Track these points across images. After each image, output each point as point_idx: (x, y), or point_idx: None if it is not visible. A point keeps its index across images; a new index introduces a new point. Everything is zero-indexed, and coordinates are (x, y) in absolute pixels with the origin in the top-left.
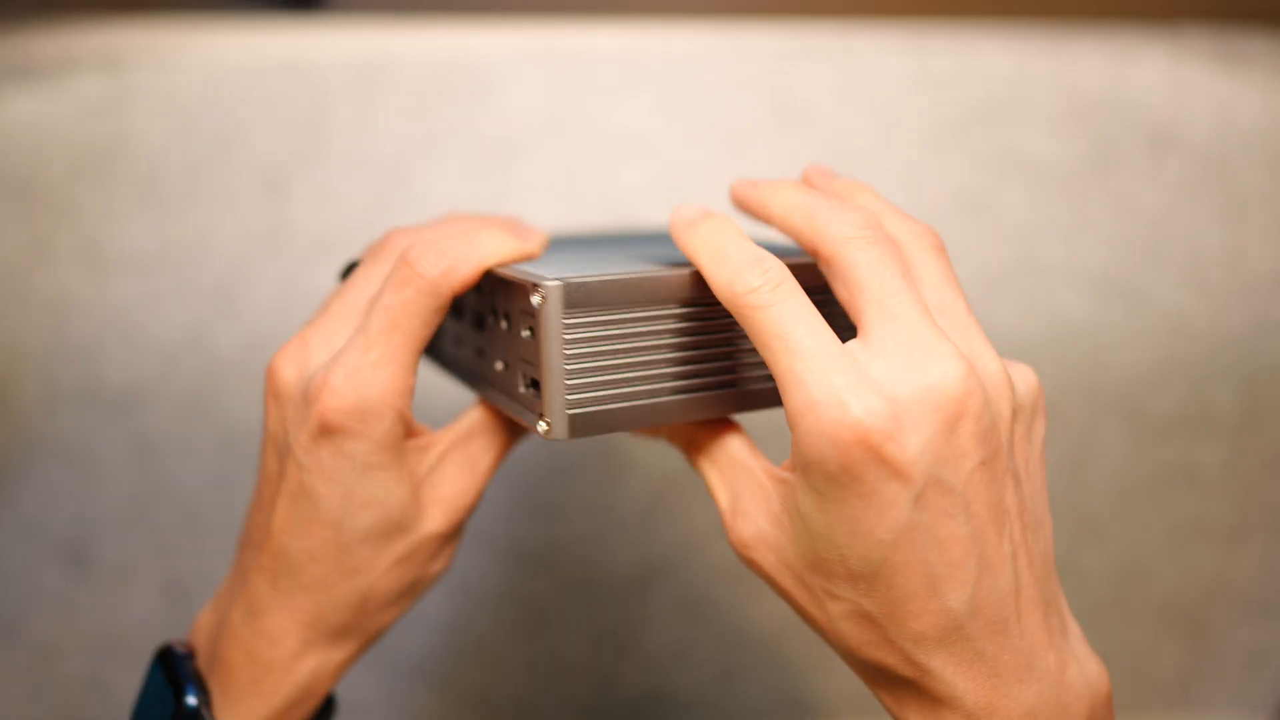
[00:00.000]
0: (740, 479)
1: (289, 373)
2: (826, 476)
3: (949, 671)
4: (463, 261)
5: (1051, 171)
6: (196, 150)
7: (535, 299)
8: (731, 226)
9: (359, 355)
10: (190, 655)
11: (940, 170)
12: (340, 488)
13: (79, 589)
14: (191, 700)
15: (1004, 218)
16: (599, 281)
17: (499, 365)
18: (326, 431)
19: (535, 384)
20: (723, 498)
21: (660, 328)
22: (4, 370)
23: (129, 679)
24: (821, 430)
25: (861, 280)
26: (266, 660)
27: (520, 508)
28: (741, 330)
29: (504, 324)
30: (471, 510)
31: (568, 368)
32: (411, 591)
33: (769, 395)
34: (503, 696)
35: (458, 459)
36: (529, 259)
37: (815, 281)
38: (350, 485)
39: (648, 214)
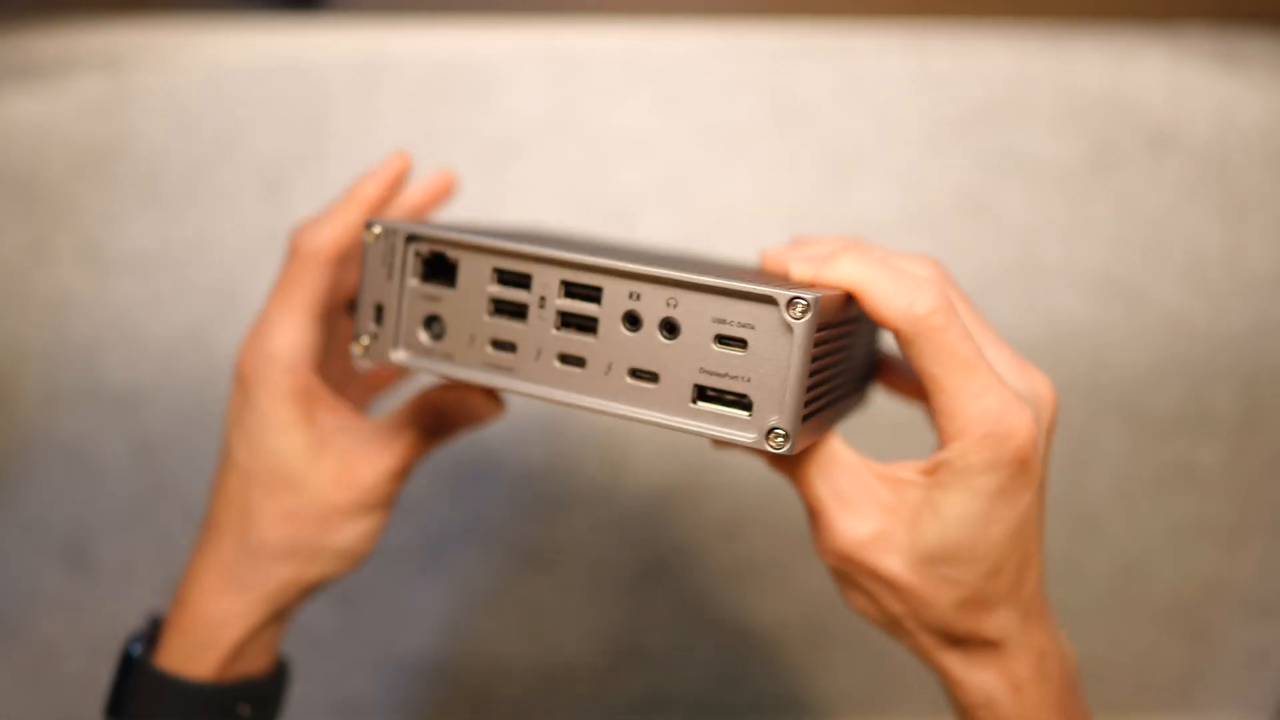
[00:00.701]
0: (843, 476)
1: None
2: (992, 473)
3: (1024, 630)
4: (330, 226)
5: (1051, 171)
6: (196, 150)
7: (791, 315)
8: (878, 252)
9: (258, 316)
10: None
11: (940, 170)
12: (244, 433)
13: (79, 589)
14: (135, 650)
15: (1004, 218)
16: (828, 297)
17: (627, 378)
18: (240, 381)
19: (730, 399)
20: (825, 494)
21: (838, 338)
22: (4, 370)
23: None
24: (1001, 436)
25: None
26: (183, 600)
27: (521, 507)
28: (861, 335)
29: (663, 334)
30: (376, 491)
31: (808, 382)
32: (309, 557)
33: (863, 393)
34: (503, 696)
35: (374, 440)
36: (397, 184)
37: (850, 311)
38: (250, 432)
39: (647, 214)
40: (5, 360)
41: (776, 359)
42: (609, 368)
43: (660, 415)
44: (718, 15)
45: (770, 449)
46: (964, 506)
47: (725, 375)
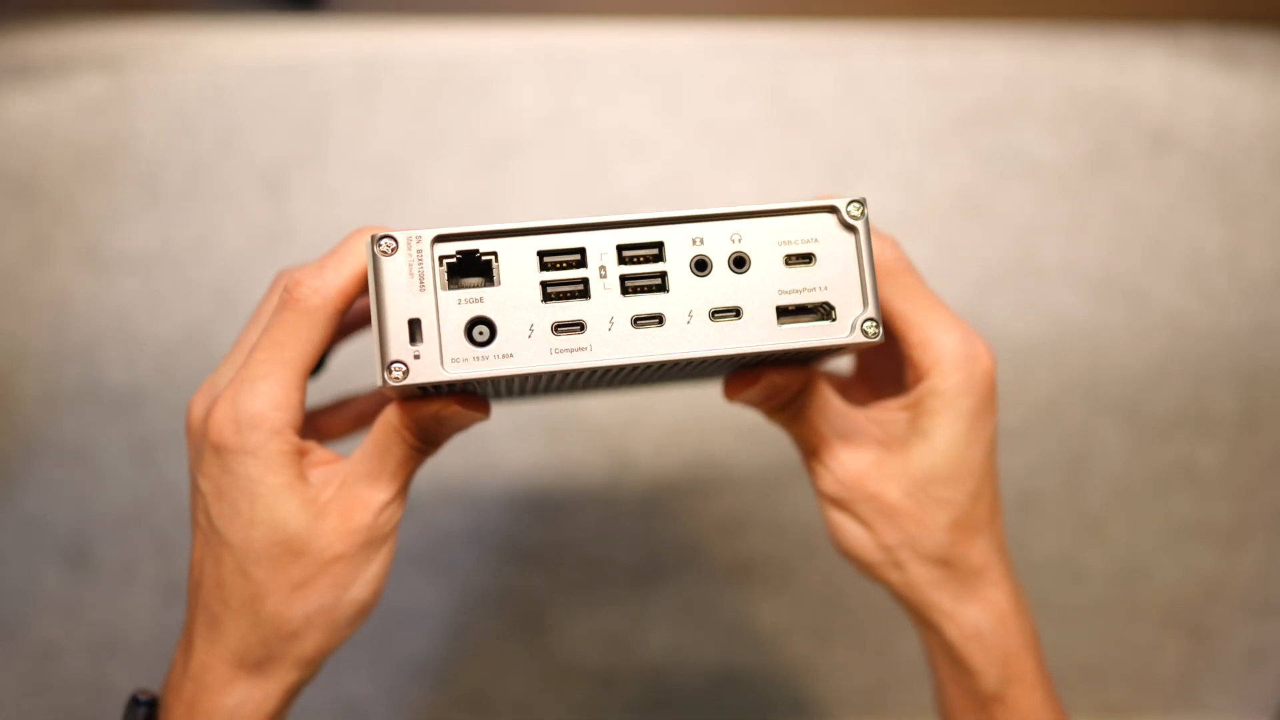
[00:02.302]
0: (840, 417)
1: (197, 409)
2: (968, 396)
3: (1001, 561)
4: (337, 271)
5: (1051, 171)
6: (196, 150)
7: (851, 216)
8: None
9: (240, 373)
10: (151, 702)
11: (940, 170)
12: (230, 507)
13: (79, 589)
14: None
15: (1004, 218)
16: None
17: (710, 321)
18: (216, 450)
19: (808, 311)
20: (827, 432)
21: None
22: (4, 370)
23: (129, 679)
24: (971, 359)
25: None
26: (190, 698)
27: (520, 507)
28: None
29: (733, 269)
30: (378, 527)
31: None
32: (329, 621)
33: None
34: (503, 696)
35: (363, 476)
36: None
37: None
38: (239, 504)
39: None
40: (5, 360)
41: (846, 260)
42: (690, 316)
43: (752, 344)
44: (718, 15)
45: (867, 340)
46: (949, 427)
47: (802, 290)
